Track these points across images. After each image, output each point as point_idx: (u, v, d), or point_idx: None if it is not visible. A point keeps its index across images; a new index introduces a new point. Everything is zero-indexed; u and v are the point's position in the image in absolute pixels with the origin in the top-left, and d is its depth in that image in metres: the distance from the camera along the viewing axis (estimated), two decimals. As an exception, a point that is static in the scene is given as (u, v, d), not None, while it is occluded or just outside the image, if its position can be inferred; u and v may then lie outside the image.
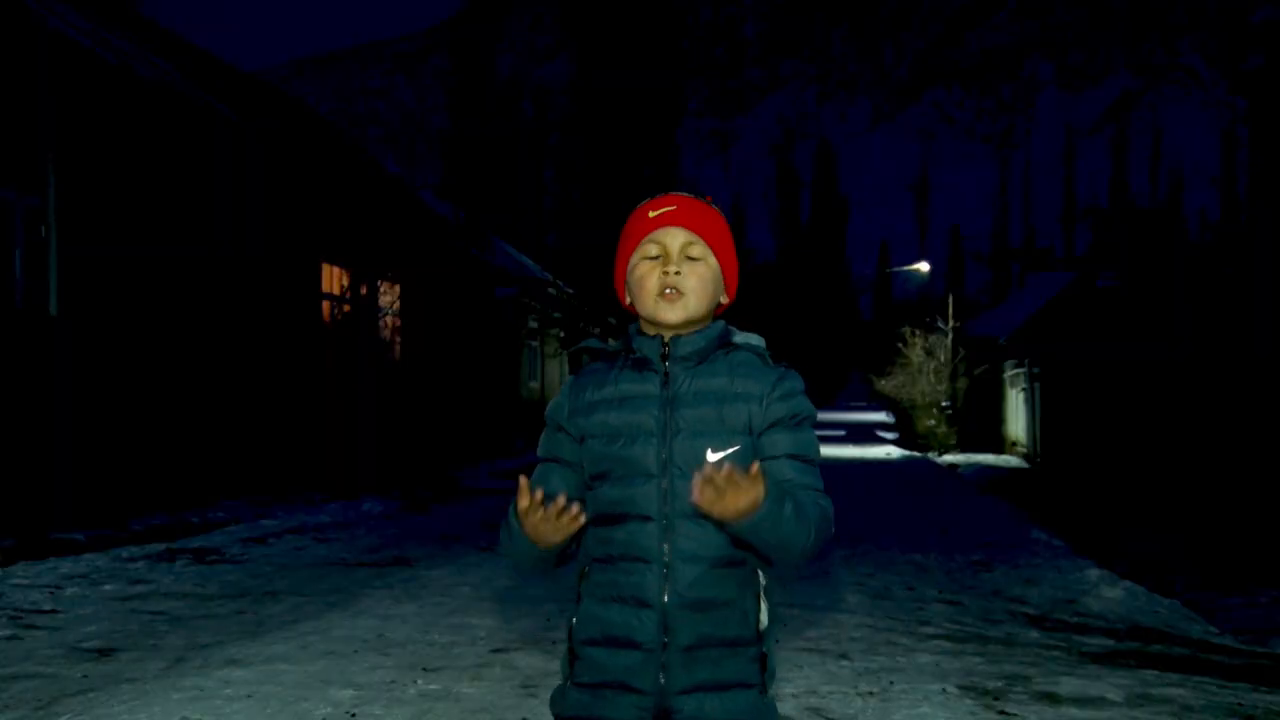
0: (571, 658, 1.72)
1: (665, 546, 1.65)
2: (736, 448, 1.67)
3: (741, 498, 1.48)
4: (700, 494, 1.49)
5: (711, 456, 1.66)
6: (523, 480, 1.59)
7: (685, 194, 1.78)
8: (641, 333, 1.77)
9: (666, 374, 1.72)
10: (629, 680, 1.66)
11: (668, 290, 1.71)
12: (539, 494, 1.56)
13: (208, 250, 10.62)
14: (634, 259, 1.76)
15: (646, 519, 1.66)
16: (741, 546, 1.63)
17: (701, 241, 1.74)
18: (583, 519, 1.57)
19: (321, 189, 13.02)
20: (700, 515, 1.63)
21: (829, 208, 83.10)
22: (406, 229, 15.57)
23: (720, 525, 1.57)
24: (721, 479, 1.47)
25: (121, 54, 9.75)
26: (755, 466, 1.49)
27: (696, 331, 1.74)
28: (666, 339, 1.74)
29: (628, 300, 1.80)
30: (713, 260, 1.75)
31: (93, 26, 9.94)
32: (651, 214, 1.75)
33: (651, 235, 1.74)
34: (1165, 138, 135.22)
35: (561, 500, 1.56)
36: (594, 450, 1.71)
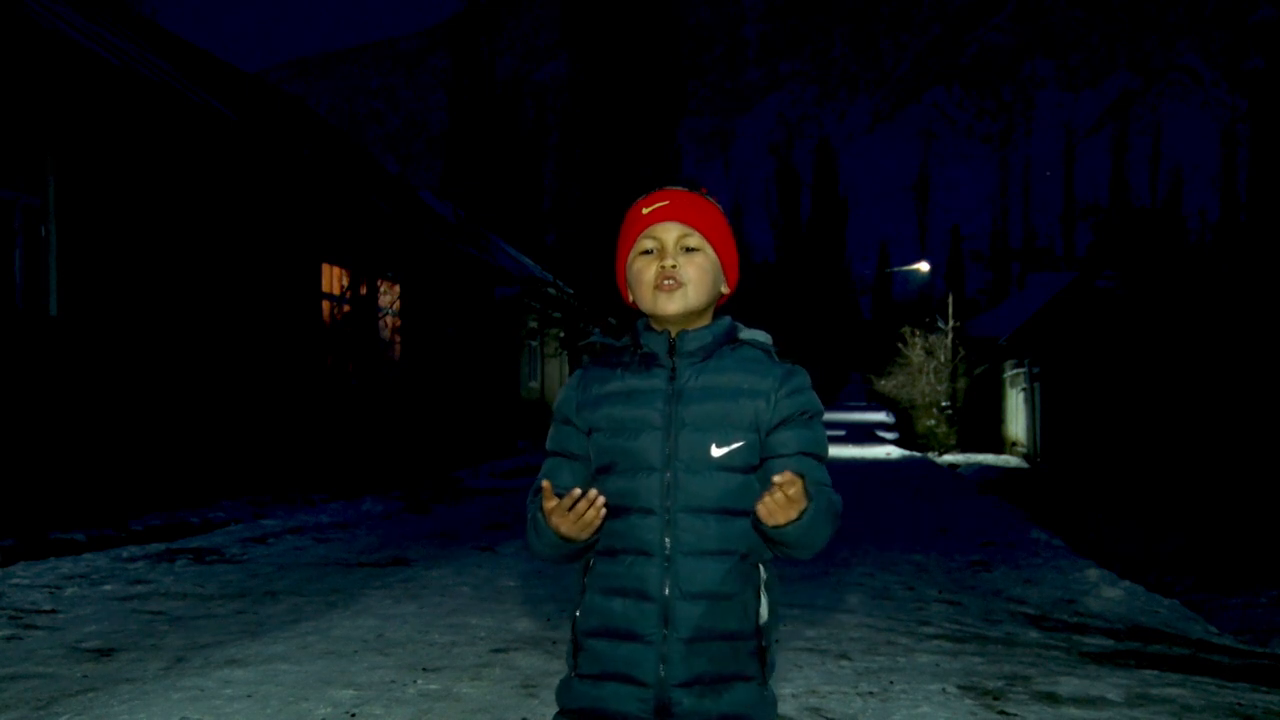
0: (575, 649, 1.74)
1: (667, 540, 1.68)
2: (740, 444, 1.69)
3: (795, 508, 1.55)
4: (776, 508, 1.54)
5: (716, 452, 1.68)
6: (546, 484, 1.64)
7: (679, 188, 1.80)
8: (649, 328, 1.78)
9: (673, 369, 1.74)
10: (630, 671, 1.68)
11: (665, 281, 1.73)
12: (572, 494, 1.61)
13: (207, 250, 10.62)
14: (631, 255, 1.79)
15: (649, 512, 1.68)
16: (768, 541, 1.65)
17: (697, 233, 1.76)
18: (602, 502, 1.61)
19: (321, 189, 13.02)
20: (700, 509, 1.68)
21: (829, 208, 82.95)
22: (406, 229, 15.57)
23: (756, 525, 1.62)
24: (794, 492, 1.53)
25: (122, 54, 9.75)
26: (790, 475, 1.54)
27: (704, 327, 1.76)
28: (674, 334, 1.76)
29: (630, 298, 1.82)
30: (710, 251, 1.77)
31: (93, 27, 9.94)
32: (645, 210, 1.77)
33: (646, 231, 1.76)
34: (1165, 138, 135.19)
35: (577, 492, 1.60)
36: (600, 443, 1.74)
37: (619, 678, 1.68)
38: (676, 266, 1.73)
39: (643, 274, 1.75)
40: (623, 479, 1.70)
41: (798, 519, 1.56)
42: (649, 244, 1.76)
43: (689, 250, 1.75)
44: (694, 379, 1.72)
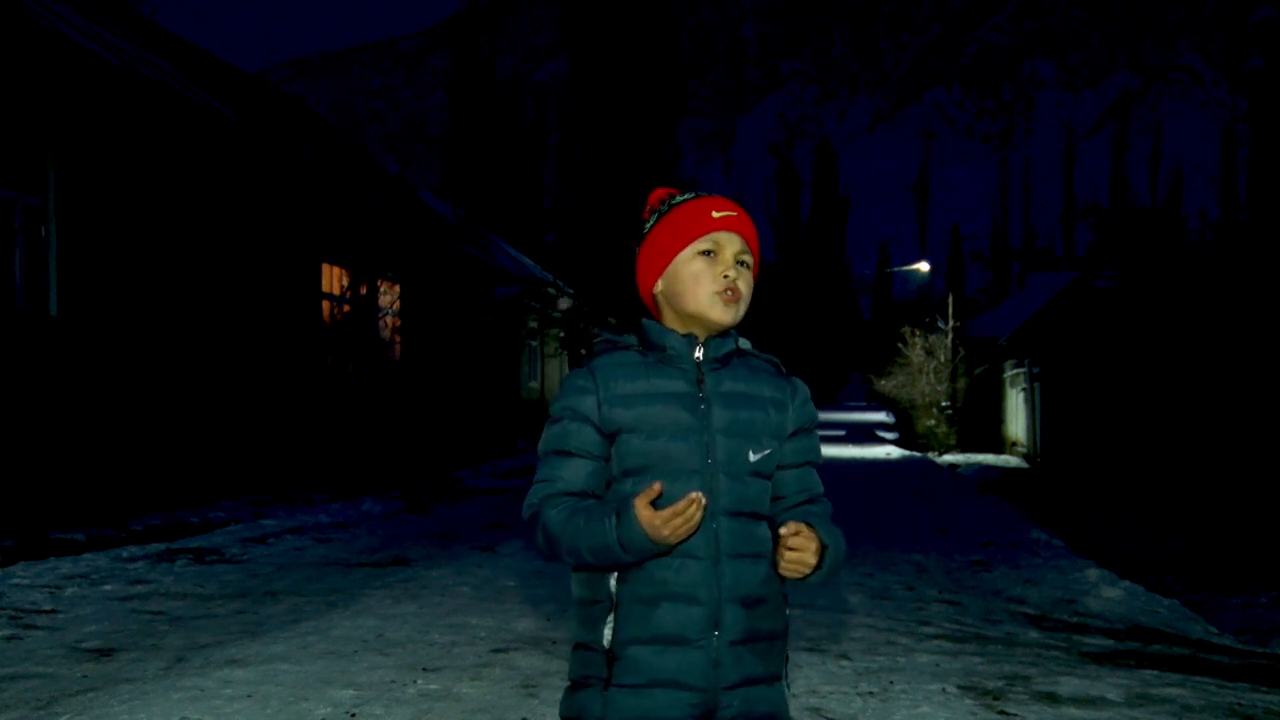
0: (610, 659, 1.69)
1: (713, 543, 1.69)
2: (769, 450, 1.74)
3: (811, 558, 1.63)
4: (794, 546, 1.62)
5: (752, 457, 1.72)
6: (657, 485, 1.56)
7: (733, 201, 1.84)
8: (667, 329, 1.77)
9: (700, 374, 1.75)
10: (682, 678, 1.67)
11: (729, 291, 1.74)
12: (692, 497, 1.53)
13: (207, 250, 10.63)
14: (685, 253, 1.77)
15: None
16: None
17: (750, 251, 1.79)
18: (704, 502, 1.56)
19: (321, 189, 13.02)
20: (739, 513, 1.71)
21: (829, 208, 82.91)
22: (406, 229, 15.57)
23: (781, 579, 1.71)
24: (806, 539, 1.62)
25: (122, 54, 9.75)
26: (806, 528, 1.64)
27: (726, 336, 1.79)
28: (701, 339, 1.76)
29: (659, 287, 1.80)
30: (753, 271, 1.81)
31: (93, 27, 9.94)
32: (715, 214, 1.77)
33: (711, 235, 1.76)
34: (1165, 137, 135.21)
35: (694, 495, 1.54)
36: (633, 445, 1.70)
37: (669, 684, 1.66)
38: (739, 279, 1.75)
39: (702, 276, 1.74)
40: (662, 483, 1.65)
41: (819, 565, 1.64)
42: (710, 246, 1.76)
43: (741, 264, 1.77)
44: (718, 385, 1.74)
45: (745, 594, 1.69)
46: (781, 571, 1.64)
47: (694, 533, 1.59)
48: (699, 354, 1.76)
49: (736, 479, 1.70)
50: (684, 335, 1.76)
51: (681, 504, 1.54)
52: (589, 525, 1.62)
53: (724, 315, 1.74)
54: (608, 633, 1.69)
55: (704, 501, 1.55)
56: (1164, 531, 12.41)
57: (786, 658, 1.78)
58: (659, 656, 1.67)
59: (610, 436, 1.71)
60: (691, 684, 1.67)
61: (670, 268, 1.78)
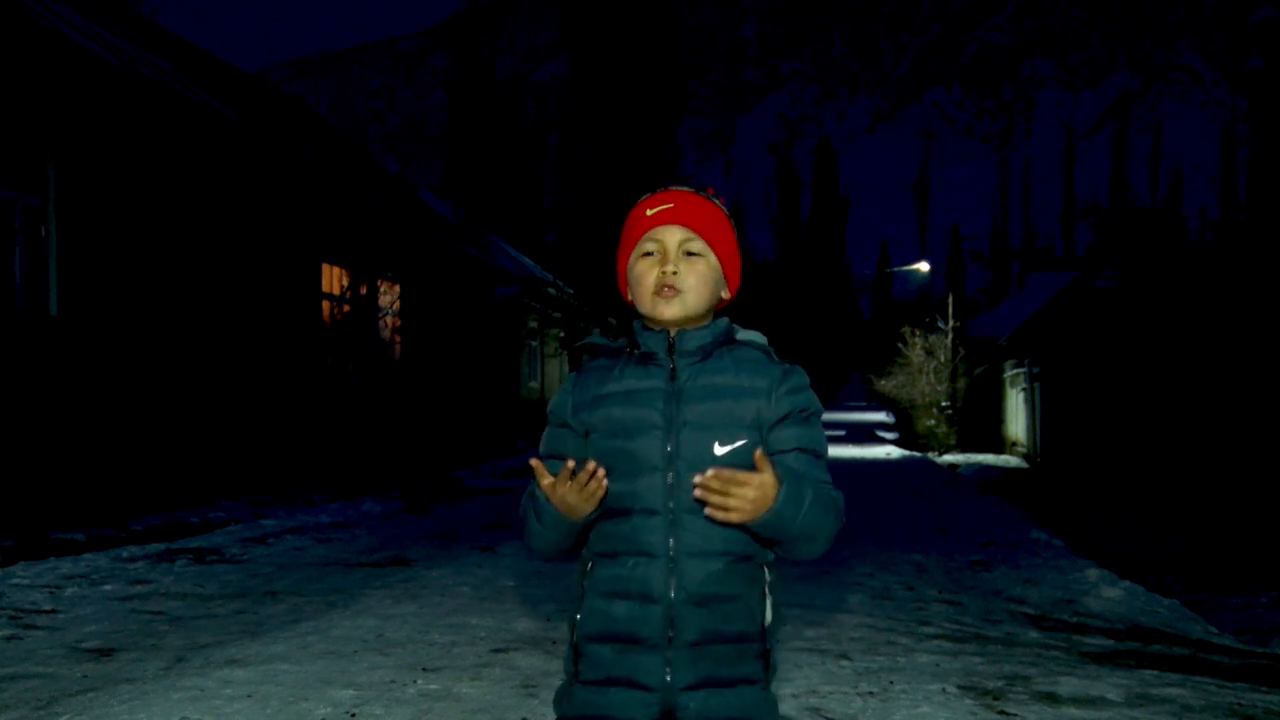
0: (576, 655, 1.70)
1: (671, 541, 1.65)
2: (743, 441, 1.66)
3: (748, 493, 1.50)
4: (705, 498, 1.52)
5: (719, 450, 1.65)
6: (535, 463, 1.62)
7: (685, 189, 1.77)
8: (647, 328, 1.76)
9: (673, 368, 1.72)
10: (635, 676, 1.65)
11: (665, 288, 1.71)
12: (568, 465, 1.58)
13: (207, 250, 10.63)
14: (632, 257, 1.76)
15: (652, 513, 1.65)
16: (765, 541, 1.64)
17: (699, 238, 1.74)
18: (603, 474, 1.58)
19: (321, 189, 13.02)
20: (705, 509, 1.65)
21: (829, 208, 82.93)
22: (406, 229, 15.57)
23: (742, 526, 1.57)
24: (717, 480, 1.49)
25: (122, 54, 9.75)
26: (759, 453, 1.52)
27: (703, 327, 1.75)
28: (673, 334, 1.74)
29: (630, 297, 1.80)
30: (712, 257, 1.75)
31: (93, 27, 9.94)
32: (649, 212, 1.75)
33: (649, 233, 1.74)
34: (1165, 137, 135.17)
35: (571, 464, 1.58)
36: (598, 445, 1.70)
37: (624, 683, 1.65)
38: (677, 273, 1.71)
39: (644, 278, 1.73)
40: (623, 480, 1.66)
41: (770, 509, 1.51)
42: (651, 246, 1.74)
43: (690, 255, 1.73)
44: (694, 378, 1.70)
45: (706, 593, 1.64)
46: (706, 513, 1.54)
47: (595, 499, 1.60)
48: (673, 348, 1.73)
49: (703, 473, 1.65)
50: (659, 333, 1.74)
51: (564, 471, 1.58)
52: (528, 508, 1.70)
53: (664, 311, 1.71)
54: (574, 628, 1.71)
55: (598, 471, 1.57)
56: (1164, 531, 12.41)
57: (768, 661, 1.70)
58: (614, 654, 1.66)
59: (585, 437, 1.73)
60: (645, 683, 1.64)
61: (628, 275, 1.78)
